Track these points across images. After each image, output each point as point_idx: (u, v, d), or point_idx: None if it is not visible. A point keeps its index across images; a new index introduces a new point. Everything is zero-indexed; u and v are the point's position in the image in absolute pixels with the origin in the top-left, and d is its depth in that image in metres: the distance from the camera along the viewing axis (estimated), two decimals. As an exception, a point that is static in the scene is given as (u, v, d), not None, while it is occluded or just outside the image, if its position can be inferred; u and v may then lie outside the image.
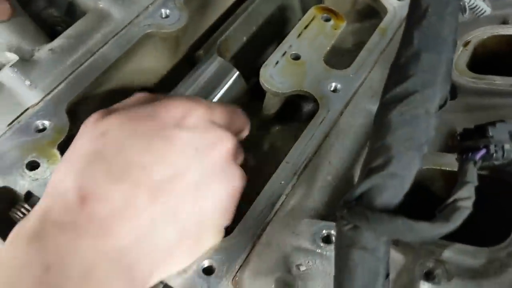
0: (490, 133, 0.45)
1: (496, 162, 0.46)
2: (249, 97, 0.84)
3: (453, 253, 0.47)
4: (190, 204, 0.55)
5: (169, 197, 0.52)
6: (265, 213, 0.62)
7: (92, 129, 0.54)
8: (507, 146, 0.45)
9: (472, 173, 0.43)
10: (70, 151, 0.54)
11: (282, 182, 0.65)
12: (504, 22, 0.76)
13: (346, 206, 0.42)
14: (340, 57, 0.85)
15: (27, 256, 0.43)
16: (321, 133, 0.69)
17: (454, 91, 0.67)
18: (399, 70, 0.43)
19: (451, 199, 0.40)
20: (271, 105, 0.80)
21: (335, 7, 0.92)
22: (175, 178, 0.53)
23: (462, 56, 0.67)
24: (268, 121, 0.84)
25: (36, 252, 0.44)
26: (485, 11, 0.50)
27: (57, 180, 0.51)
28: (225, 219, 0.60)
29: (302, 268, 0.57)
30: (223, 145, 0.59)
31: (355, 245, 0.42)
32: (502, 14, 0.77)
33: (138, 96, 0.63)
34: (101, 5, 0.76)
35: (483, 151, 0.44)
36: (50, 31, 0.79)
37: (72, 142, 0.56)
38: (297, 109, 0.84)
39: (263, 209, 0.62)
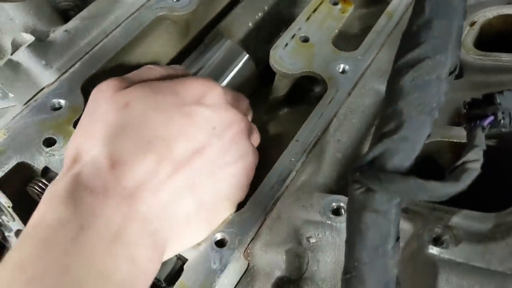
0: (498, 101, 0.46)
1: (503, 129, 0.47)
2: (258, 82, 0.86)
3: (460, 219, 0.48)
4: (208, 178, 0.58)
5: (189, 171, 0.55)
6: (276, 188, 0.63)
7: (114, 99, 0.56)
8: (514, 114, 0.46)
9: (481, 138, 0.44)
10: (90, 118, 0.56)
11: (292, 159, 0.66)
12: (511, 2, 0.78)
13: (358, 170, 0.44)
14: (347, 42, 0.86)
15: (62, 215, 0.45)
16: (330, 113, 0.70)
17: (461, 69, 0.68)
18: (411, 38, 0.44)
19: (460, 161, 0.42)
20: (280, 88, 0.82)
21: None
22: (195, 153, 0.56)
23: (468, 35, 0.68)
24: (278, 104, 0.85)
25: (71, 213, 0.45)
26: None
27: (82, 147, 0.53)
28: (240, 194, 0.63)
29: (312, 240, 0.59)
30: (239, 124, 0.62)
31: (367, 208, 0.43)
32: (509, -4, 0.79)
33: (150, 68, 0.65)
34: (112, -12, 0.77)
35: (491, 118, 0.46)
36: (63, 16, 0.81)
37: (88, 108, 0.58)
38: (306, 92, 0.85)
39: (273, 184, 0.64)
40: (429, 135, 0.44)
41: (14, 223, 0.69)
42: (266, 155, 0.70)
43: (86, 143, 0.52)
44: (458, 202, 0.51)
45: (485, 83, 0.65)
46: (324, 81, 0.75)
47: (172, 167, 0.53)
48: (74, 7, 0.83)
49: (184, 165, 0.54)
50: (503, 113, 0.46)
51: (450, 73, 0.43)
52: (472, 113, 0.48)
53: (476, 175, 0.41)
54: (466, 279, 0.46)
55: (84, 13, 0.75)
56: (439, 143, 0.58)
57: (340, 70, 0.75)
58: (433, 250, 0.48)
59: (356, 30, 0.93)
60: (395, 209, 0.44)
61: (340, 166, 0.67)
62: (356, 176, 0.44)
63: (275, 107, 0.85)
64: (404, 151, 0.43)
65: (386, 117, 0.44)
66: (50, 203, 0.48)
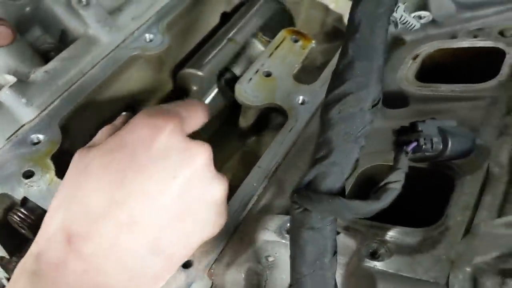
0: (420, 128, 0.52)
1: (427, 153, 0.53)
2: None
3: (394, 234, 0.54)
4: (174, 231, 0.54)
5: (151, 230, 0.53)
6: (239, 212, 0.69)
7: (75, 165, 0.55)
8: (435, 139, 0.53)
9: (403, 161, 0.50)
10: (60, 187, 0.56)
11: (254, 184, 0.72)
12: (454, 37, 0.85)
13: (296, 192, 0.49)
14: (310, 74, 0.93)
15: None
16: (289, 140, 0.77)
17: (406, 99, 0.75)
18: (337, 76, 0.50)
19: (383, 183, 0.48)
20: (247, 117, 0.88)
21: (306, 28, 1.01)
22: (155, 210, 0.52)
23: (411, 68, 0.75)
24: (245, 133, 0.91)
25: None
26: (415, 25, 0.58)
27: (47, 220, 0.54)
28: (220, 222, 0.60)
29: (270, 259, 0.64)
30: (201, 159, 0.56)
31: (305, 226, 0.49)
32: (453, 30, 0.86)
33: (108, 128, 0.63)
34: (90, 32, 0.84)
35: (414, 144, 0.52)
36: (44, 56, 0.87)
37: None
38: (270, 121, 0.91)
39: (236, 208, 0.69)
40: (357, 160, 0.50)
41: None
42: (235, 180, 0.76)
43: (51, 214, 0.54)
44: (396, 219, 0.57)
45: (427, 111, 0.71)
46: (285, 111, 0.81)
47: (128, 230, 0.51)
48: (54, 48, 0.89)
49: (144, 226, 0.52)
50: (424, 139, 0.52)
51: (373, 106, 0.49)
52: (399, 139, 0.54)
53: (396, 194, 0.47)
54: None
55: (63, 54, 0.82)
56: (381, 167, 0.65)
57: (300, 101, 0.82)
58: (370, 263, 0.53)
59: (319, 63, 1.00)
60: (330, 226, 0.49)
61: (298, 190, 0.72)
62: (294, 197, 0.49)
63: (243, 135, 0.91)
64: (334, 174, 0.48)
65: (319, 145, 0.50)
66: (17, 280, 0.51)
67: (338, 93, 0.49)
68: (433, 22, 0.87)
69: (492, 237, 0.46)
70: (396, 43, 0.87)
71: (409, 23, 0.56)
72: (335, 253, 0.50)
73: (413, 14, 0.89)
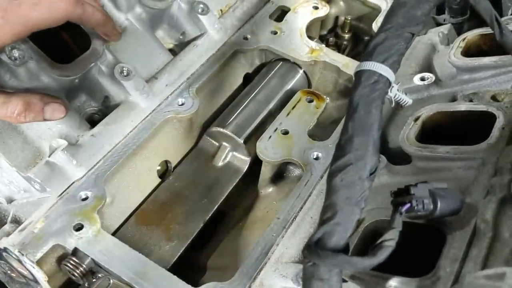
0: (412, 192, 0.61)
1: (419, 213, 0.62)
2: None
3: (393, 283, 0.62)
4: None
5: None
6: (260, 260, 0.78)
7: None
8: (426, 201, 0.61)
9: (398, 221, 0.58)
10: None
11: (274, 234, 0.81)
12: (454, 98, 0.94)
13: (307, 248, 0.59)
14: (324, 130, 1.03)
15: None
16: (305, 193, 0.86)
17: (408, 157, 0.84)
18: (340, 149, 0.60)
19: (379, 241, 0.56)
20: (266, 172, 0.98)
21: (320, 87, 1.12)
22: None
23: (412, 129, 0.84)
24: (265, 185, 1.01)
25: None
26: (407, 102, 0.68)
27: None
28: None
29: (288, 304, 0.73)
30: None
31: (314, 277, 0.58)
32: (453, 90, 0.95)
33: None
34: (130, 98, 0.96)
35: (407, 205, 0.61)
36: (90, 119, 1.00)
37: None
38: (288, 172, 1.01)
39: (258, 256, 0.79)
40: (358, 220, 0.59)
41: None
42: (255, 228, 0.86)
43: None
44: (398, 268, 0.65)
45: (427, 169, 0.80)
46: (301, 166, 0.91)
47: None
48: (98, 111, 1.02)
49: None
50: (417, 201, 0.61)
51: (371, 174, 0.59)
52: (395, 200, 0.63)
53: (390, 251, 0.56)
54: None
55: (107, 119, 0.94)
56: (383, 222, 0.73)
57: (314, 157, 0.92)
58: (372, 309, 0.61)
59: (333, 118, 1.10)
60: (336, 277, 0.58)
61: (312, 240, 0.81)
62: (305, 253, 0.59)
63: (263, 186, 1.01)
64: (338, 233, 0.58)
65: (325, 208, 0.59)
66: None
67: (340, 163, 0.59)
68: (435, 82, 0.97)
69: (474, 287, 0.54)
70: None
71: (402, 99, 0.66)
72: (340, 300, 0.59)
73: (418, 76, 0.99)
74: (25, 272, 0.85)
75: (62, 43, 1.03)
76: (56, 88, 0.90)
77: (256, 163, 1.00)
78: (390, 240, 0.57)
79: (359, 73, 0.63)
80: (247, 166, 1.02)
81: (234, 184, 1.01)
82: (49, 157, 0.86)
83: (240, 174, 1.02)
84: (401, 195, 0.63)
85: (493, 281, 0.51)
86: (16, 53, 0.84)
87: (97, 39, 0.95)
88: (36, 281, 0.85)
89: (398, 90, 0.65)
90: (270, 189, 1.01)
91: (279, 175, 1.01)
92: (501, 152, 0.71)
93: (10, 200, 0.95)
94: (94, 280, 0.80)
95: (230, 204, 1.02)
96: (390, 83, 0.62)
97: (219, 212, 1.00)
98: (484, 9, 0.72)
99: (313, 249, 0.58)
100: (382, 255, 0.55)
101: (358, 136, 0.59)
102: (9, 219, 0.93)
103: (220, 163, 1.03)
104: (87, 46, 0.96)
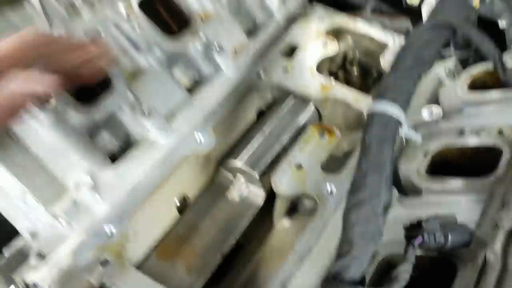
0: (424, 226, 0.65)
1: (431, 246, 0.65)
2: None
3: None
4: None
5: None
6: (279, 292, 0.81)
7: None
8: (437, 234, 0.65)
9: (411, 255, 0.62)
10: None
11: (291, 267, 0.84)
12: (462, 131, 0.98)
13: (326, 281, 0.62)
14: (337, 162, 1.06)
15: None
16: (320, 226, 0.89)
17: (420, 189, 0.87)
18: (355, 186, 0.64)
19: (394, 273, 0.60)
20: (282, 205, 1.01)
21: (331, 121, 1.16)
22: None
23: (422, 163, 0.88)
24: (281, 216, 1.04)
25: None
26: (417, 140, 0.71)
27: None
28: None
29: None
30: None
31: (333, 307, 0.61)
32: (461, 124, 0.99)
33: None
34: (151, 136, 1.01)
35: (419, 239, 0.64)
36: (111, 155, 1.05)
37: None
38: (302, 206, 1.05)
39: (277, 288, 0.82)
40: (374, 253, 0.62)
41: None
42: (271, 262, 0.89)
43: None
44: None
45: (437, 202, 0.83)
46: (315, 200, 0.94)
47: None
48: (119, 148, 1.06)
49: None
50: (428, 234, 0.64)
51: (385, 209, 0.63)
52: (408, 234, 0.66)
53: (405, 283, 0.59)
54: None
55: (128, 155, 0.98)
56: (397, 254, 0.76)
57: (329, 191, 0.95)
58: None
59: (344, 151, 1.14)
60: (353, 308, 0.61)
61: (327, 270, 0.84)
62: (324, 285, 0.62)
63: (278, 220, 1.05)
64: (355, 266, 0.61)
65: (341, 242, 0.63)
66: None
67: (355, 201, 0.63)
68: (442, 116, 1.01)
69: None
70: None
71: (412, 138, 0.69)
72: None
73: (426, 110, 1.03)
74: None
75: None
76: (78, 128, 0.95)
77: (271, 195, 1.04)
78: (404, 272, 0.60)
79: (371, 114, 0.67)
80: (262, 200, 1.06)
81: (251, 218, 1.04)
82: (74, 193, 0.90)
83: (256, 208, 1.05)
84: (413, 229, 0.67)
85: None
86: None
87: (120, 78, 1.00)
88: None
89: (408, 129, 0.69)
90: (286, 222, 1.05)
91: (294, 208, 1.04)
92: (508, 185, 0.74)
93: (34, 235, 1.00)
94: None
95: (246, 236, 1.06)
96: (400, 123, 0.67)
97: (236, 244, 1.03)
98: (487, 51, 0.76)
99: (332, 282, 0.61)
100: (397, 286, 0.58)
101: (372, 174, 0.63)
102: (34, 254, 0.97)
103: (236, 197, 1.07)
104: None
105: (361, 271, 0.60)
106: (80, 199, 0.91)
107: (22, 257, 0.98)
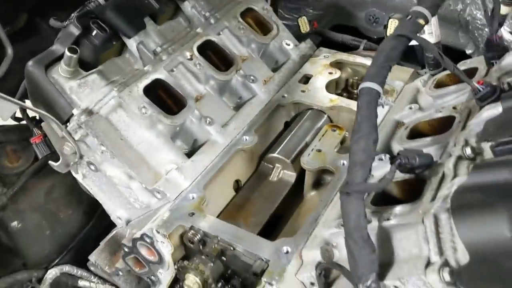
0: (401, 153, 1.03)
1: (406, 165, 1.03)
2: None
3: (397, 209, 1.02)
4: None
5: None
6: (312, 224, 1.18)
7: None
8: (410, 157, 1.03)
9: (393, 169, 1.00)
10: None
11: (320, 209, 1.22)
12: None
13: (342, 187, 1.01)
14: (346, 150, 1.46)
15: None
16: (337, 185, 1.28)
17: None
18: (354, 130, 1.04)
19: (382, 177, 0.98)
20: (309, 178, 1.41)
21: (340, 123, 1.57)
22: None
23: (404, 133, 1.28)
24: (309, 190, 1.43)
25: None
26: (390, 104, 1.12)
27: None
28: None
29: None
30: None
31: (346, 200, 0.99)
32: (431, 112, 1.39)
33: None
34: (212, 138, 1.43)
35: (398, 160, 1.03)
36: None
37: None
38: (324, 181, 1.44)
39: (311, 221, 1.19)
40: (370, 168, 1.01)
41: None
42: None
43: None
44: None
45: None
46: (333, 170, 1.34)
47: None
48: (188, 151, 1.48)
49: None
50: (403, 158, 1.03)
51: (374, 143, 1.02)
52: (392, 160, 1.05)
53: (389, 182, 0.97)
54: None
55: (199, 151, 1.40)
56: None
57: (341, 164, 1.34)
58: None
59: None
60: (359, 196, 0.99)
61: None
62: (341, 190, 1.00)
63: (307, 192, 1.43)
64: (359, 175, 1.00)
65: (348, 166, 1.02)
66: None
67: (355, 138, 1.03)
68: (420, 109, 1.41)
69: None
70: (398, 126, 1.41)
71: (384, 103, 1.10)
72: None
73: (407, 106, 1.44)
74: (151, 257, 1.26)
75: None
76: (166, 133, 1.38)
77: (300, 179, 1.44)
78: (389, 176, 0.98)
79: (362, 88, 1.08)
80: (294, 179, 1.46)
81: (286, 191, 1.43)
82: (166, 175, 1.32)
83: (290, 185, 1.45)
84: (395, 157, 1.06)
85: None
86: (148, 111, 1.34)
87: (191, 99, 1.44)
88: (160, 262, 1.25)
89: (382, 98, 1.10)
90: (313, 193, 1.44)
91: (318, 182, 1.43)
92: (457, 135, 1.13)
93: (128, 222, 1.40)
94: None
95: (284, 207, 1.44)
96: (379, 93, 1.08)
97: (276, 215, 1.41)
98: (428, 46, 1.20)
99: (345, 186, 0.99)
100: (383, 184, 0.97)
101: (364, 122, 1.03)
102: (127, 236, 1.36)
103: (275, 179, 1.47)
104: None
105: (364, 178, 0.98)
106: (171, 178, 1.32)
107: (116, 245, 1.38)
